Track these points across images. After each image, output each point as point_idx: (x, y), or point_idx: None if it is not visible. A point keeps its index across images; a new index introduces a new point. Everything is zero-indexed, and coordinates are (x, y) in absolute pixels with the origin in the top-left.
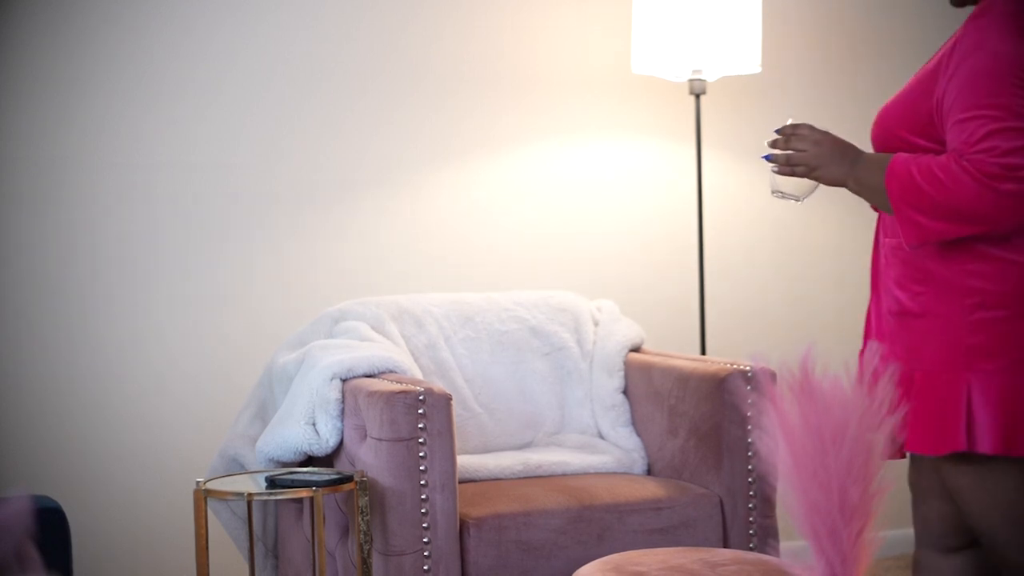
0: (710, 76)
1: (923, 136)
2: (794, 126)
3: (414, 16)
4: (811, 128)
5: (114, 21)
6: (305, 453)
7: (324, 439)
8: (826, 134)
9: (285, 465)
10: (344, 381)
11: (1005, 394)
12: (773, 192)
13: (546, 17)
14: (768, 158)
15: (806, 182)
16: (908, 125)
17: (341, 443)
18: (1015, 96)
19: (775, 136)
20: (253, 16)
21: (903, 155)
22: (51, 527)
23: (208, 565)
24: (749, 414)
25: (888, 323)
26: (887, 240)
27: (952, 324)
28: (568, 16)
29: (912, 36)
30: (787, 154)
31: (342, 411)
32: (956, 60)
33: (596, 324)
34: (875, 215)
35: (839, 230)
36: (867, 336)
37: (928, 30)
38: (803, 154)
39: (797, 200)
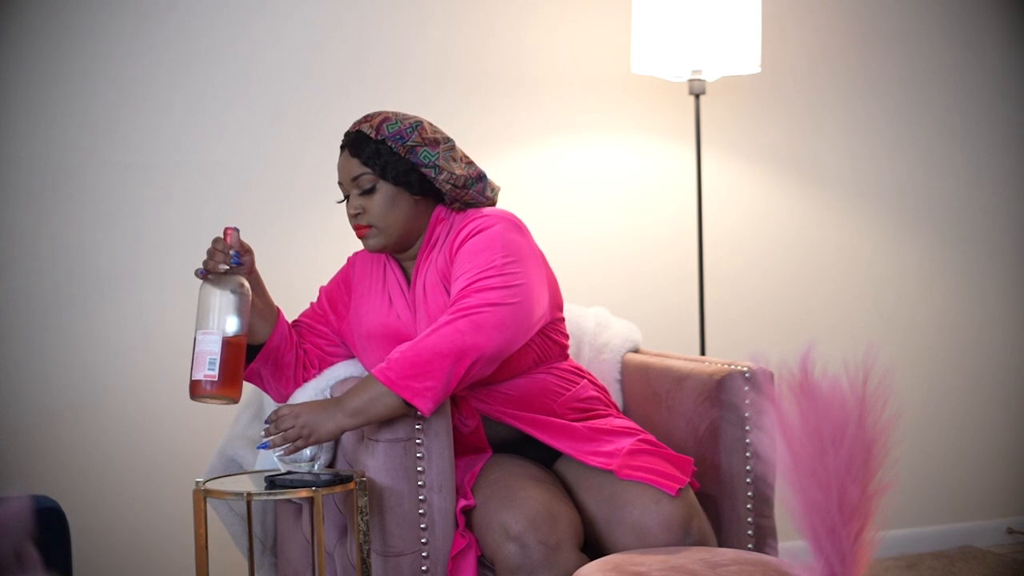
0: (710, 76)
1: None
2: (274, 412)
3: (414, 16)
4: (287, 407)
5: (120, 24)
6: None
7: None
8: (300, 404)
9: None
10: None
11: None
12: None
13: (545, 17)
14: (265, 446)
15: (305, 451)
16: None
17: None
18: None
19: (265, 427)
20: (278, 20)
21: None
22: (51, 527)
23: (208, 565)
24: (747, 415)
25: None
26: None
27: None
28: (568, 16)
29: (911, 35)
30: (283, 435)
31: None
32: (458, 245)
33: (594, 324)
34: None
35: (839, 229)
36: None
37: (927, 29)
38: (292, 429)
39: (311, 470)
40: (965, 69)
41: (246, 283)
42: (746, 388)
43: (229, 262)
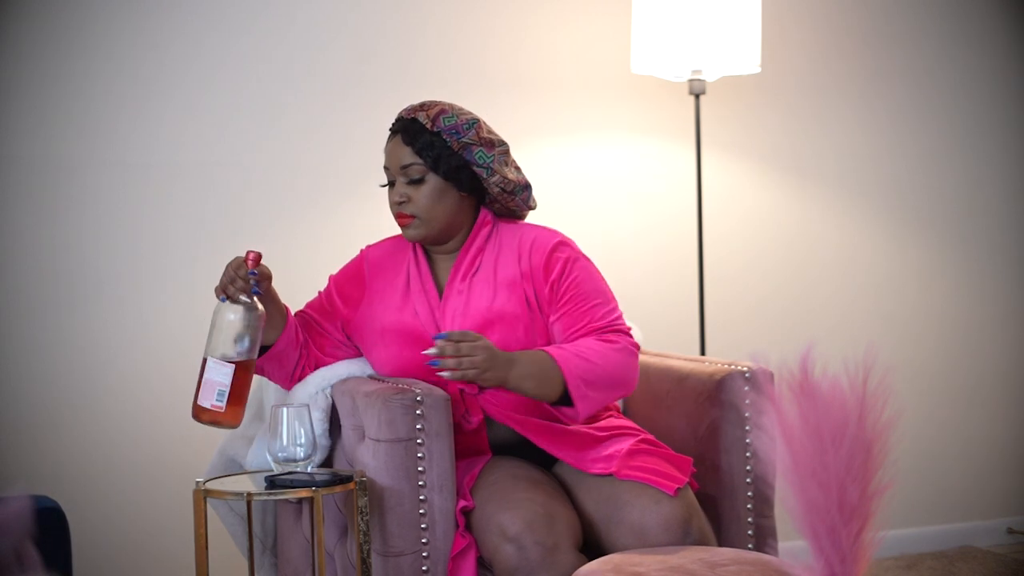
0: (710, 76)
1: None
2: (462, 333)
3: (414, 17)
4: (478, 336)
5: (121, 24)
6: None
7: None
8: (486, 344)
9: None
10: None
11: None
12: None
13: (545, 17)
14: (436, 363)
15: (299, 451)
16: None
17: (334, 445)
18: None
19: (442, 340)
20: (280, 21)
21: (553, 347)
22: (51, 527)
23: (208, 565)
24: (747, 415)
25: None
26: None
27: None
28: (568, 16)
29: (912, 35)
30: (459, 359)
31: (330, 416)
32: (560, 266)
33: None
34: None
35: (840, 229)
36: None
37: (927, 29)
38: (475, 358)
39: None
40: (965, 69)
41: (260, 306)
42: (746, 388)
43: (250, 292)
